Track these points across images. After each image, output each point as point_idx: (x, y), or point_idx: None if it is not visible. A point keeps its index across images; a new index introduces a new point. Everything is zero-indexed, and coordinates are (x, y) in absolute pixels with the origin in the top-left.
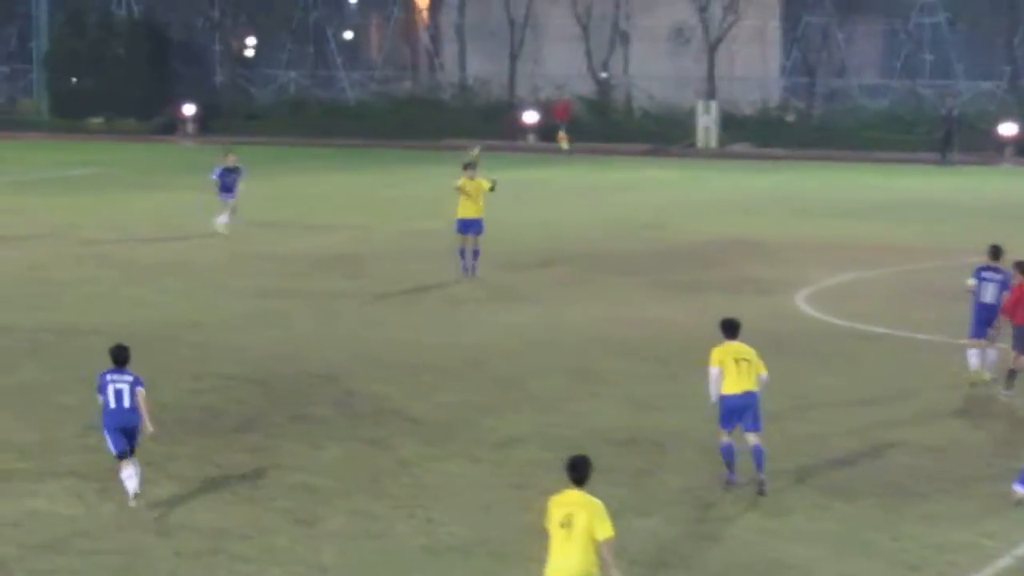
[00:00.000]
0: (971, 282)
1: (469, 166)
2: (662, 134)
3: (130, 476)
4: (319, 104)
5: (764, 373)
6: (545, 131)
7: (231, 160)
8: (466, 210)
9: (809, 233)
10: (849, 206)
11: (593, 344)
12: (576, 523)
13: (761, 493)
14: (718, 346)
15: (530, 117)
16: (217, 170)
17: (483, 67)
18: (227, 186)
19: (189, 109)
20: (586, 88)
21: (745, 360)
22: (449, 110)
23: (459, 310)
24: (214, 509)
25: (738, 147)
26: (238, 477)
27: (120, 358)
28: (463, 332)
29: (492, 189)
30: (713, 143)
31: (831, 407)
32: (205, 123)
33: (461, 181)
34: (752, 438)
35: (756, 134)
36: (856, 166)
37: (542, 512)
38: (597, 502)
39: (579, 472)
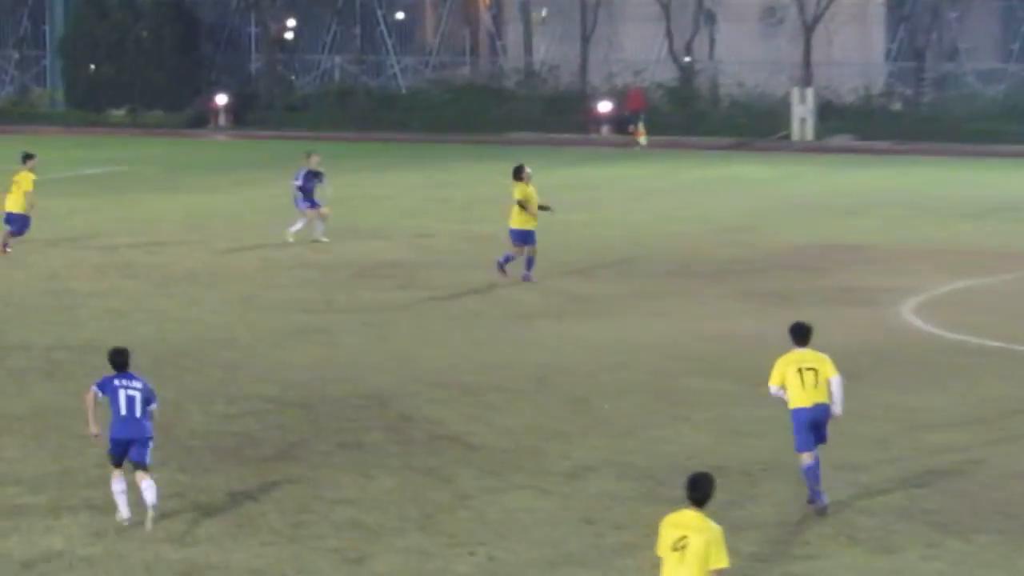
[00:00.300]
0: None
1: (522, 173)
2: (752, 126)
3: (122, 492)
4: (367, 93)
5: (836, 376)
6: (621, 123)
7: (314, 162)
8: (524, 220)
9: (917, 237)
10: (962, 206)
11: (674, 362)
12: (690, 548)
13: (823, 508)
14: (784, 355)
15: (604, 107)
16: (300, 174)
17: (551, 51)
18: (308, 192)
19: (222, 99)
20: (667, 74)
21: (811, 369)
22: (513, 99)
23: (525, 324)
24: (250, 548)
25: (837, 140)
26: (278, 512)
27: (120, 362)
28: (529, 349)
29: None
30: (809, 135)
31: (942, 430)
32: (240, 115)
33: (518, 190)
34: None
35: (858, 125)
36: (970, 161)
37: (652, 536)
38: (716, 527)
39: (700, 491)
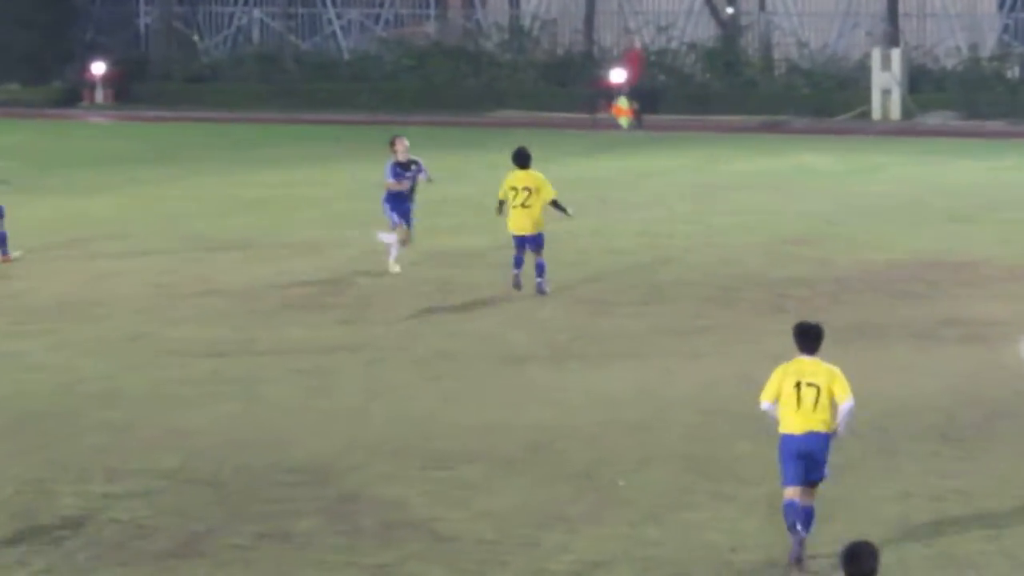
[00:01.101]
0: None
1: (519, 165)
2: (819, 100)
3: None
4: (297, 59)
5: (846, 403)
6: (641, 96)
7: (402, 150)
8: (520, 222)
9: None
10: None
11: (715, 421)
12: None
13: (798, 562)
14: (783, 364)
15: (618, 76)
16: (389, 168)
17: (546, 1)
18: (401, 198)
19: (100, 68)
20: (703, 32)
21: (812, 385)
22: (495, 66)
23: (514, 370)
24: None
25: (934, 119)
26: None
27: None
28: (520, 404)
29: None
30: (896, 113)
31: None
32: (125, 89)
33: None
34: (806, 495)
35: (961, 99)
36: None
37: None
38: None
39: (862, 566)
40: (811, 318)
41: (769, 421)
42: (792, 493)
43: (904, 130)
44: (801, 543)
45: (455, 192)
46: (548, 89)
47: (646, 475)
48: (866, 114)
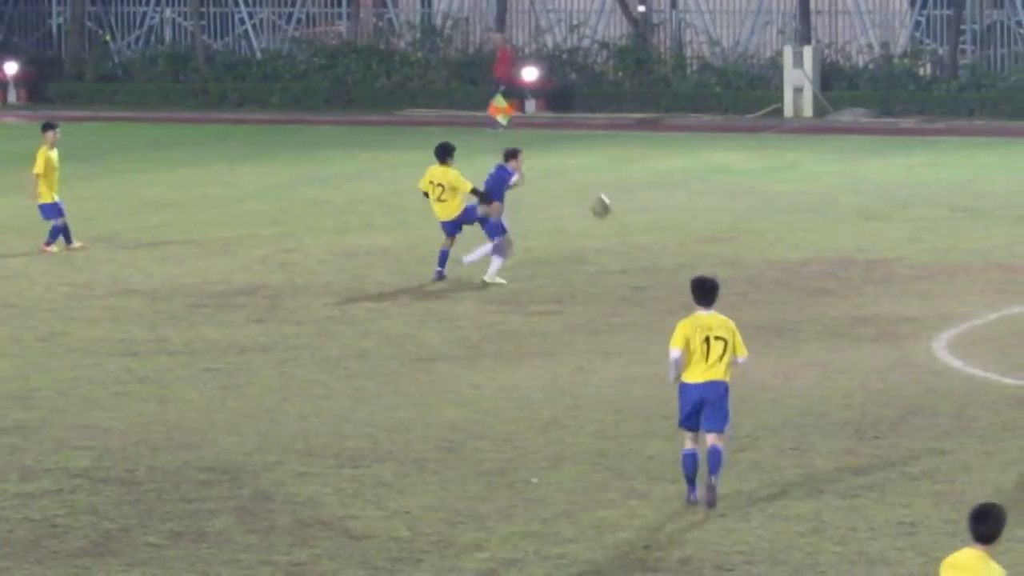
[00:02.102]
0: None
1: (439, 151)
2: (730, 98)
3: None
4: (208, 58)
5: (743, 356)
6: (552, 97)
7: (513, 166)
8: (440, 213)
9: (956, 248)
10: (1017, 205)
11: (627, 419)
12: None
13: (711, 504)
14: (686, 318)
15: (530, 75)
16: (504, 173)
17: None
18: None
19: (13, 68)
20: (615, 30)
21: (720, 339)
22: (407, 65)
23: (428, 370)
24: None
25: (847, 116)
26: None
27: None
28: (434, 403)
29: (474, 193)
30: (808, 111)
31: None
32: (38, 88)
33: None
34: (711, 438)
35: (874, 96)
36: None
37: None
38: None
39: (988, 526)
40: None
41: (672, 369)
42: (690, 442)
43: (816, 128)
44: (712, 489)
45: (366, 191)
46: (460, 88)
47: (559, 473)
48: (778, 112)
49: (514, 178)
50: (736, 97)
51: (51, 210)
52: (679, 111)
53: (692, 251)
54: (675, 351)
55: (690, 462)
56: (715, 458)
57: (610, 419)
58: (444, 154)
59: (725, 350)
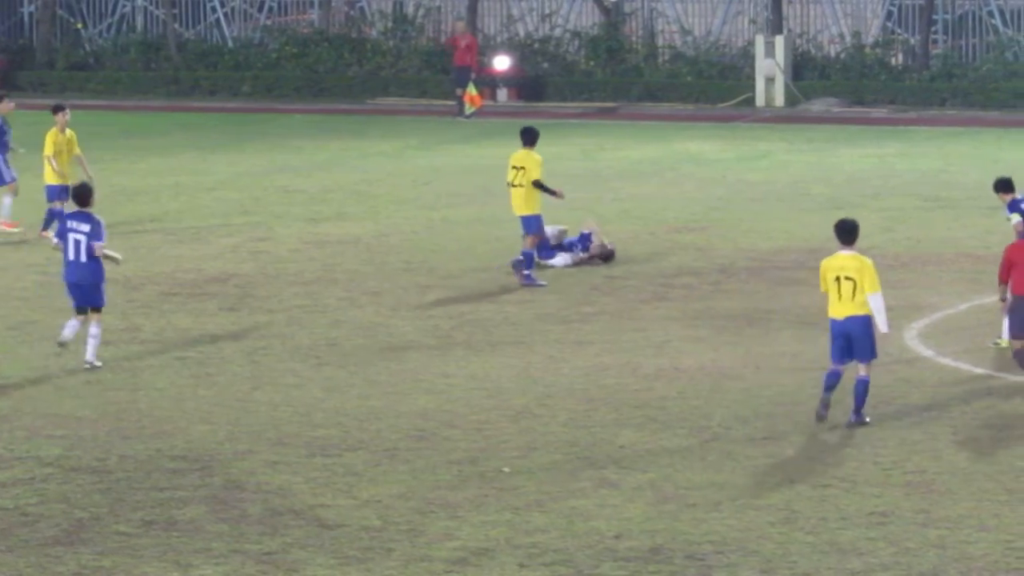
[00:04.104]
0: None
1: (525, 139)
2: (702, 88)
3: (72, 327)
4: (180, 46)
5: (872, 293)
6: (523, 84)
7: None
8: (512, 201)
9: (927, 237)
10: (988, 195)
11: (599, 408)
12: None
13: (851, 425)
14: (827, 259)
15: (501, 64)
16: None
17: None
18: None
19: None
20: (587, 19)
21: (849, 279)
22: (379, 54)
23: (398, 359)
24: None
25: (818, 106)
26: None
27: (82, 197)
28: (405, 392)
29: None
30: (780, 100)
31: (960, 499)
32: (9, 77)
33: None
34: (861, 369)
35: (845, 86)
36: (998, 133)
37: None
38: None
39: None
40: (696, 306)
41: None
42: (834, 365)
43: (788, 117)
44: (859, 414)
45: (337, 180)
46: (432, 77)
47: (530, 462)
48: (750, 101)
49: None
50: (708, 87)
51: (55, 192)
52: (651, 100)
53: (664, 240)
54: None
55: (834, 378)
56: (860, 388)
57: (581, 408)
58: (530, 138)
59: (855, 289)
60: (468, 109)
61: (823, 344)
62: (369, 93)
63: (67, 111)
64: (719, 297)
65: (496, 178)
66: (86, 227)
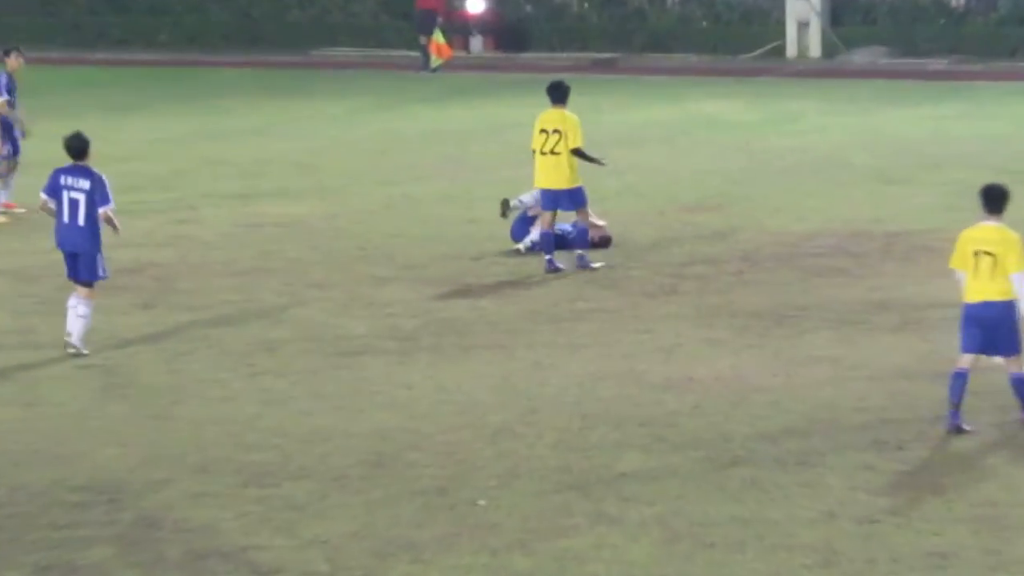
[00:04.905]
0: None
1: (556, 96)
2: (721, 35)
3: (72, 307)
4: None
5: (1014, 272)
6: (501, 31)
7: None
8: (547, 175)
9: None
10: None
11: (597, 425)
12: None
13: (958, 430)
14: (966, 230)
15: (475, 6)
16: None
17: None
18: None
19: None
20: None
21: (988, 254)
22: None
23: (352, 366)
24: None
25: (861, 56)
26: None
27: (77, 147)
28: (359, 408)
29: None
30: (816, 50)
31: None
32: None
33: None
34: (1009, 364)
35: (895, 33)
36: None
37: None
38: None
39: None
40: (713, 301)
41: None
42: (963, 361)
43: (825, 71)
44: (958, 409)
45: (276, 149)
46: (390, 23)
47: (512, 493)
48: (779, 52)
49: None
50: (727, 34)
51: None
52: (657, 51)
53: (674, 222)
54: (958, 273)
55: (959, 383)
56: (1019, 386)
57: (574, 426)
58: (562, 94)
59: (995, 266)
60: (434, 62)
61: (866, 347)
62: (314, 42)
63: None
64: (741, 291)
65: (469, 145)
66: (86, 183)
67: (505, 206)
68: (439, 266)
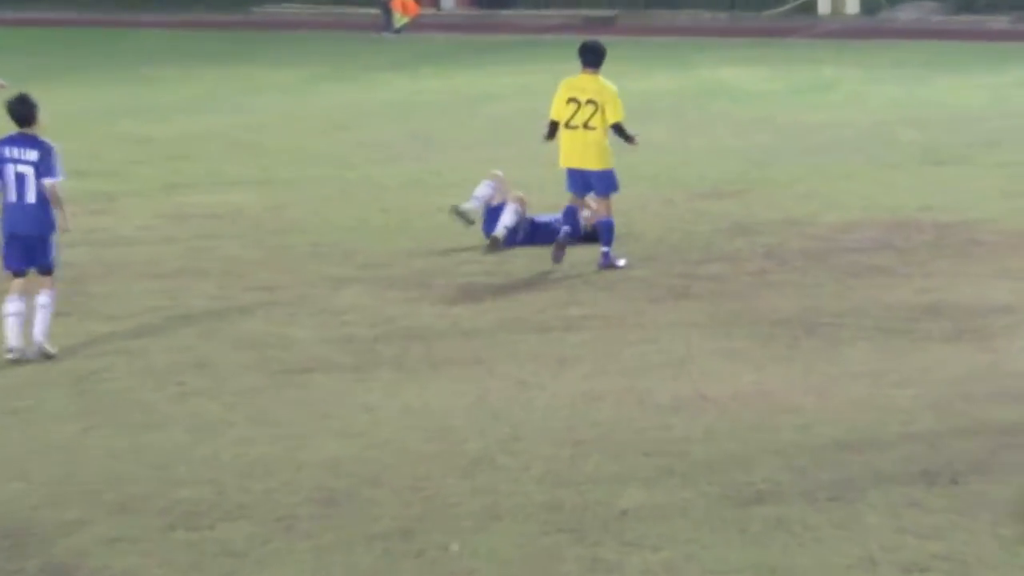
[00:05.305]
0: None
1: (591, 59)
2: None
3: (16, 314)
4: None
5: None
6: None
7: None
8: (574, 153)
9: None
10: None
11: (592, 455)
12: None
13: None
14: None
15: None
16: None
17: None
18: None
19: None
20: None
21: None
22: None
23: (298, 385)
24: None
25: (908, 13)
26: None
27: (21, 113)
28: (308, 434)
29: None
30: (853, 5)
31: None
32: None
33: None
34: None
35: None
36: None
37: None
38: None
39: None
40: (731, 306)
41: None
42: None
43: (865, 30)
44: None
45: (210, 125)
46: None
47: (490, 536)
48: (809, 8)
49: None
50: None
51: None
52: (664, 7)
53: (684, 211)
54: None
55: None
56: None
57: (565, 456)
58: (598, 57)
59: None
60: (399, 20)
61: (914, 360)
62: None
63: None
64: (764, 293)
65: (441, 121)
66: (32, 154)
67: (462, 215)
68: (404, 264)
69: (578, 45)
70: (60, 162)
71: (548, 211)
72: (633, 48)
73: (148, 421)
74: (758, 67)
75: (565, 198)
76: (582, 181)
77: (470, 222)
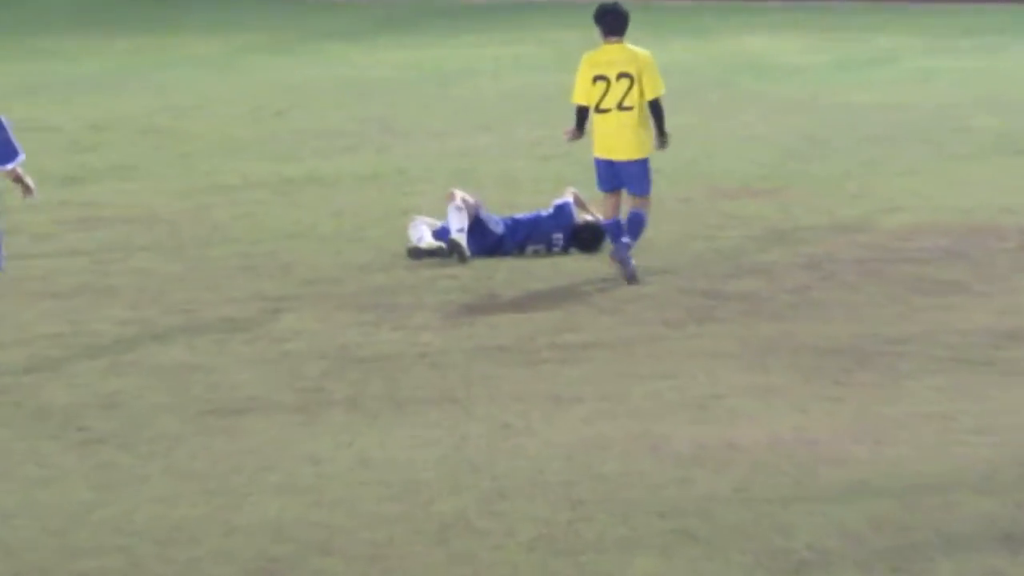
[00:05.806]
0: None
1: (613, 25)
2: None
3: None
4: None
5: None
6: None
7: None
8: (606, 142)
9: None
10: None
11: (595, 516)
12: None
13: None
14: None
15: None
16: None
17: None
18: None
19: None
20: None
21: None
22: None
23: (230, 430)
24: None
25: None
26: None
27: None
28: (242, 491)
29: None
30: None
31: None
32: None
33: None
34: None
35: None
36: None
37: None
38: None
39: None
40: (766, 331)
41: None
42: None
43: None
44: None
45: (120, 108)
46: None
47: None
48: None
49: None
50: None
51: None
52: None
53: (707, 213)
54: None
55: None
56: None
57: (561, 519)
58: (622, 23)
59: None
60: None
61: (996, 399)
62: None
63: None
64: (807, 316)
65: (403, 102)
66: None
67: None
68: (358, 280)
69: (594, 9)
70: (14, 138)
71: (537, 209)
72: (640, 13)
73: (44, 475)
74: (794, 35)
75: (558, 196)
76: (611, 175)
77: (466, 255)
